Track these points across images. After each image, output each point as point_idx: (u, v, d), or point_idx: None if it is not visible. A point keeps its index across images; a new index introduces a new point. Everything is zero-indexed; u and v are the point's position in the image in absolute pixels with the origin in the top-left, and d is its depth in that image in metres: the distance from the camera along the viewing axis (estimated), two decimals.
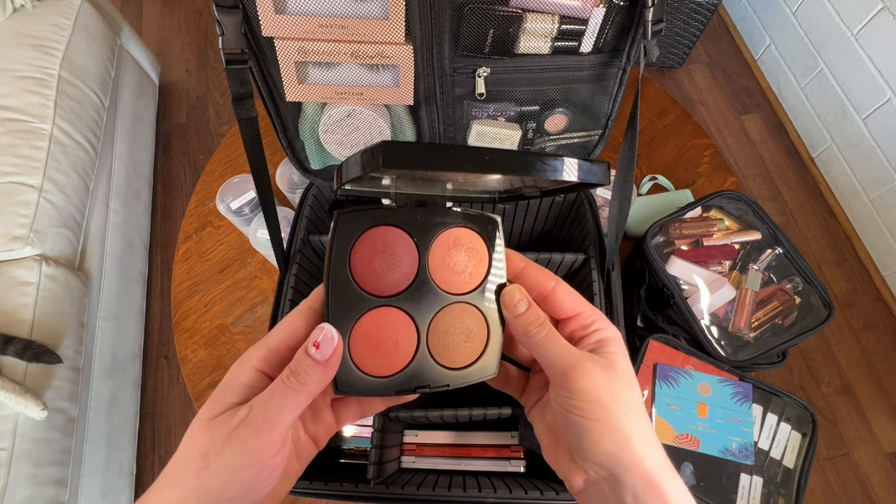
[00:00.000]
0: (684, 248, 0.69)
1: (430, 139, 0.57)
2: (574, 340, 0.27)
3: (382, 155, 0.20)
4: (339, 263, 0.26)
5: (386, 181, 0.27)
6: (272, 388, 0.23)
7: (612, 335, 0.27)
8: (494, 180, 0.29)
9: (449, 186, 0.30)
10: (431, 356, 0.27)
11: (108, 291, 1.25)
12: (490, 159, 0.22)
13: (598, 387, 0.25)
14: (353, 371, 0.26)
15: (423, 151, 0.22)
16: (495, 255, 0.29)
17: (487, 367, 0.28)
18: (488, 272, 0.29)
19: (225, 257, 0.84)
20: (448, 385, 0.27)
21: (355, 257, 0.27)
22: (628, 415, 0.25)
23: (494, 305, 0.28)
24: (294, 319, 0.26)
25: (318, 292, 0.27)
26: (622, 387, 0.25)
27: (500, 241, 0.29)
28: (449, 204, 0.29)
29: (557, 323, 0.28)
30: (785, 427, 0.60)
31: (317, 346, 0.24)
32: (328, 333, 0.24)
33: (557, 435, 0.28)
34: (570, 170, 0.23)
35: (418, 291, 0.27)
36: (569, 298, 0.28)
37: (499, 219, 0.29)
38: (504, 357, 0.30)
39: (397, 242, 0.27)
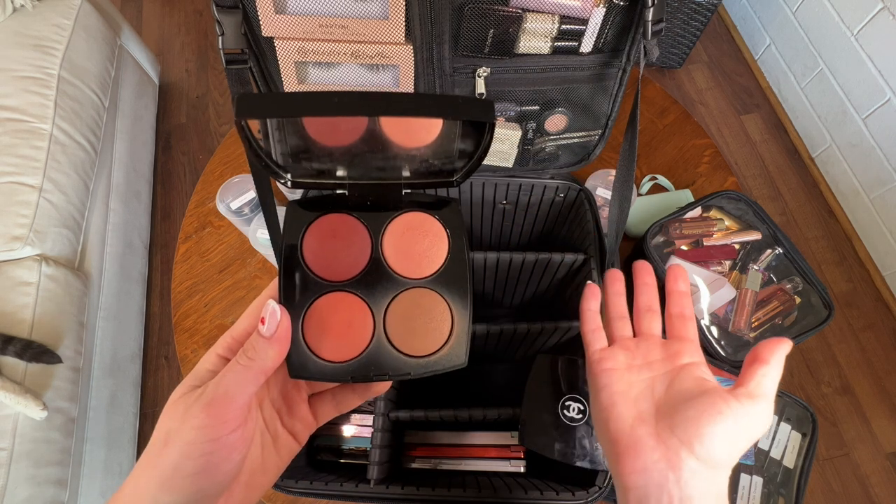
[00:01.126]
0: (684, 248, 0.69)
1: None
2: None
3: (237, 106, 0.21)
4: (291, 249, 0.27)
5: (339, 172, 0.27)
6: (226, 367, 0.24)
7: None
8: (420, 154, 0.28)
9: (404, 173, 0.29)
10: (390, 342, 0.26)
11: (108, 291, 1.25)
12: (339, 102, 0.21)
13: (763, 422, 0.27)
14: (306, 355, 0.26)
15: (275, 99, 0.22)
16: (453, 236, 0.28)
17: (454, 356, 0.26)
18: (448, 254, 0.28)
19: (225, 257, 0.84)
20: (409, 374, 0.26)
21: (307, 244, 0.27)
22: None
23: (458, 289, 0.27)
24: (255, 308, 0.27)
25: (275, 282, 0.27)
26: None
27: (460, 221, 0.28)
28: (405, 191, 0.28)
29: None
30: (785, 427, 0.60)
31: (262, 321, 0.24)
32: (271, 308, 0.25)
33: (658, 408, 0.29)
34: (425, 105, 0.23)
35: (372, 276, 0.27)
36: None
37: (457, 200, 0.29)
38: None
39: (349, 228, 0.27)
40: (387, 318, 0.27)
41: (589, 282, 0.36)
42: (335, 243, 0.27)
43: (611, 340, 0.35)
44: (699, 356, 0.32)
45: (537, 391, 0.35)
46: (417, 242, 0.28)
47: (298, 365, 0.26)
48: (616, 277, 0.38)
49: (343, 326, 0.26)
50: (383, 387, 0.29)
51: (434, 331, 0.27)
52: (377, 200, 0.28)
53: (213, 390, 0.23)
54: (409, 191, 0.28)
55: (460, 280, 0.27)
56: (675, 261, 0.67)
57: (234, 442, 0.24)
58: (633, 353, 0.33)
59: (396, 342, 0.26)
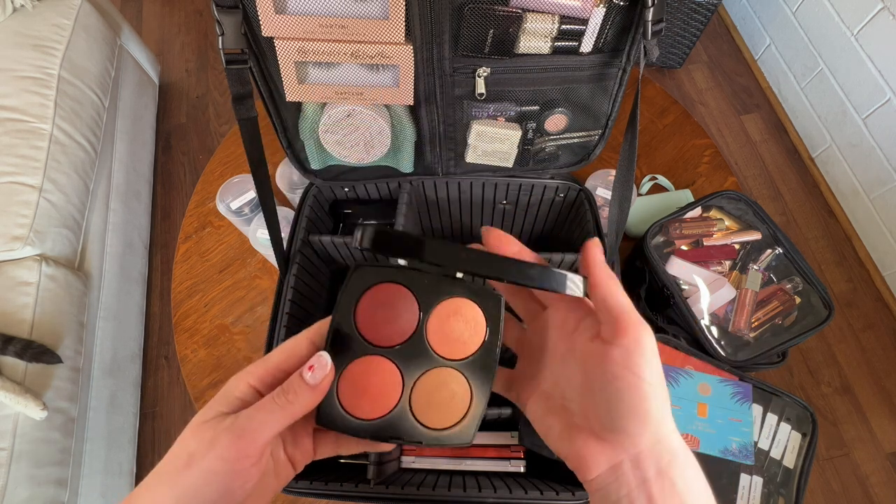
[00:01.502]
0: (684, 248, 0.69)
1: (430, 139, 0.57)
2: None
3: (372, 240, 0.23)
4: (346, 308, 0.29)
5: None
6: (261, 403, 0.25)
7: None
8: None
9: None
10: (412, 411, 0.29)
11: (108, 291, 1.25)
12: (467, 258, 0.24)
13: (655, 348, 0.25)
14: (336, 407, 0.28)
15: (408, 241, 0.25)
16: (491, 330, 0.30)
17: (463, 435, 0.29)
18: (483, 345, 0.30)
19: (225, 257, 0.84)
20: (420, 442, 0.28)
21: (361, 306, 0.29)
22: (664, 388, 0.25)
23: (483, 378, 0.30)
24: (293, 346, 0.28)
25: (320, 326, 0.29)
26: (658, 359, 0.26)
27: (501, 318, 0.30)
28: (459, 274, 0.31)
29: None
30: (785, 427, 0.60)
31: (311, 369, 0.26)
32: (323, 361, 0.26)
33: (571, 416, 0.27)
34: (551, 280, 0.26)
35: (412, 348, 0.30)
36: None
37: (503, 297, 0.31)
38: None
39: (402, 300, 0.30)
40: (414, 388, 0.29)
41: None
42: (387, 311, 0.29)
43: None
44: (581, 307, 0.28)
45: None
46: (458, 327, 0.30)
47: (326, 415, 0.28)
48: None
49: (374, 389, 0.29)
50: (389, 446, 0.31)
51: (452, 409, 0.29)
52: (433, 280, 0.30)
53: (246, 424, 0.24)
54: (461, 275, 0.31)
55: (487, 370, 0.30)
56: (674, 261, 0.67)
57: (251, 472, 0.25)
58: (530, 350, 0.31)
59: (417, 412, 0.29)
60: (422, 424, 0.29)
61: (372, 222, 0.23)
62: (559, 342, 0.29)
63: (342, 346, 0.28)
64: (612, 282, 0.26)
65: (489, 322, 0.30)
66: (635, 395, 0.23)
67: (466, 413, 0.29)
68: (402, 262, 0.30)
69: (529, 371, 0.30)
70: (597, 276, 0.26)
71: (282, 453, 0.28)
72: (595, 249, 0.26)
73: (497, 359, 0.30)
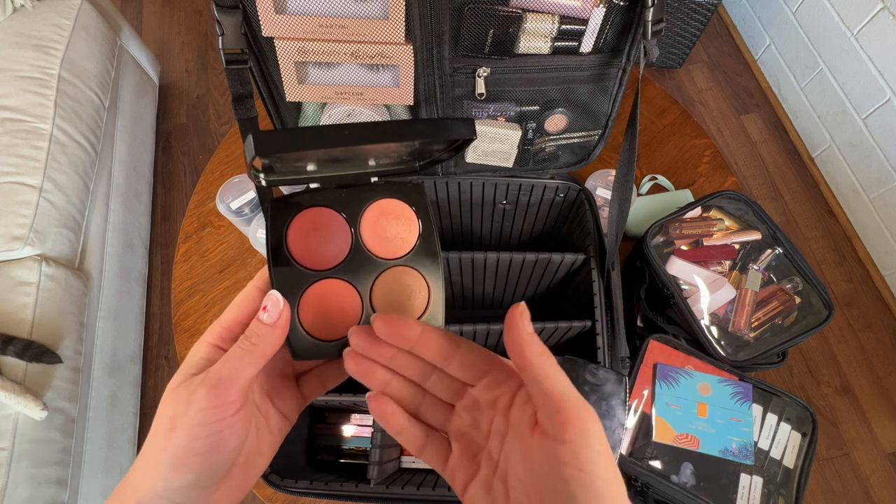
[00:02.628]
0: (684, 248, 0.69)
1: None
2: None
3: (255, 145, 0.23)
4: (277, 245, 0.29)
5: (310, 167, 0.30)
6: (228, 353, 0.26)
7: (570, 393, 0.23)
8: (393, 150, 0.31)
9: (371, 163, 0.32)
10: None
11: (108, 291, 1.25)
12: (349, 134, 0.24)
13: (601, 432, 0.21)
14: (305, 338, 0.29)
15: (289, 136, 0.25)
16: (422, 217, 0.31)
17: (434, 319, 0.30)
18: (420, 234, 0.31)
19: (225, 257, 0.84)
20: None
21: (291, 239, 0.30)
22: (621, 485, 0.22)
23: (431, 263, 0.31)
24: (243, 298, 0.28)
25: (262, 274, 0.29)
26: (608, 453, 0.22)
27: (427, 204, 0.32)
28: (373, 179, 0.32)
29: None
30: (785, 427, 0.60)
31: (265, 309, 0.26)
32: (274, 298, 0.27)
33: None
34: (440, 130, 0.26)
35: (355, 261, 0.30)
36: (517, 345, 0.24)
37: (422, 182, 0.32)
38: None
39: (328, 220, 0.30)
40: (372, 296, 0.30)
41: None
42: (317, 235, 0.30)
43: (443, 433, 0.28)
44: (512, 381, 0.26)
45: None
46: (391, 226, 0.31)
47: (300, 349, 0.28)
48: (367, 372, 0.28)
49: (335, 309, 0.29)
50: None
51: (414, 302, 0.30)
52: (350, 191, 0.31)
53: (217, 373, 0.25)
54: (376, 179, 0.32)
55: (432, 255, 0.31)
56: (675, 261, 0.67)
57: (238, 422, 0.25)
58: (468, 433, 0.27)
59: None
60: None
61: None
62: (495, 421, 0.25)
63: (289, 284, 0.29)
64: (545, 360, 0.23)
65: (418, 211, 0.31)
66: (590, 496, 0.20)
67: (428, 301, 0.30)
68: (312, 186, 0.31)
69: (467, 453, 0.26)
70: (528, 355, 0.22)
71: (270, 407, 0.29)
72: (521, 320, 0.23)
73: (437, 241, 0.31)
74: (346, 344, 0.28)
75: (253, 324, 0.26)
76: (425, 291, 0.31)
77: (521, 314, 0.24)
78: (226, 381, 0.24)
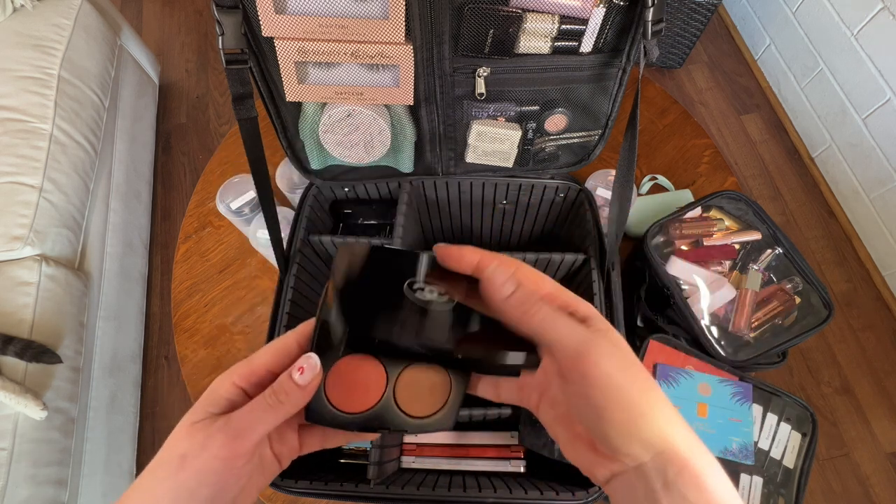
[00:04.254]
0: (684, 248, 0.68)
1: (430, 139, 0.57)
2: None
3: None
4: (332, 311, 0.29)
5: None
6: (253, 403, 0.26)
7: (590, 310, 0.26)
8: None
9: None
10: (396, 402, 0.30)
11: (108, 291, 1.25)
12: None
13: (615, 368, 0.23)
14: (324, 404, 0.29)
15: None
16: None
17: (444, 421, 0.31)
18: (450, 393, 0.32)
19: (225, 257, 0.84)
20: (406, 430, 0.30)
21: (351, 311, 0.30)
22: (648, 395, 0.23)
23: (462, 378, 0.31)
24: (280, 346, 0.28)
25: (305, 327, 0.29)
26: (632, 364, 0.24)
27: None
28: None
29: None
30: (785, 427, 0.60)
31: (301, 370, 0.26)
32: (312, 362, 0.27)
33: (574, 426, 0.26)
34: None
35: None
36: (534, 278, 0.26)
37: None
38: (490, 369, 0.31)
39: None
40: (398, 381, 0.31)
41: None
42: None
43: None
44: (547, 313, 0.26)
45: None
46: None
47: (315, 412, 0.29)
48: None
49: (360, 383, 0.30)
50: (374, 436, 0.33)
51: (433, 397, 0.31)
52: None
53: (238, 424, 0.25)
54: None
55: (463, 378, 0.31)
56: (675, 261, 0.67)
57: (244, 470, 0.26)
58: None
59: (401, 403, 0.30)
60: (405, 414, 0.30)
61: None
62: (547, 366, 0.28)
63: (328, 345, 0.29)
64: (556, 320, 0.25)
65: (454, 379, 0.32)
66: (621, 409, 0.23)
67: (447, 401, 0.31)
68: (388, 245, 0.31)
69: (541, 376, 0.29)
70: (537, 321, 0.25)
71: (268, 451, 0.29)
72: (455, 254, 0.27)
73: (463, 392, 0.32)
74: (359, 420, 0.29)
75: (285, 380, 0.26)
76: (447, 392, 0.31)
77: (468, 253, 0.26)
78: (244, 434, 0.25)
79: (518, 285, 0.26)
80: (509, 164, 0.60)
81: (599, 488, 0.46)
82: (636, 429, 0.23)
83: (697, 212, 0.70)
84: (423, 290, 0.29)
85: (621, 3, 0.44)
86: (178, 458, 0.24)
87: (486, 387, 0.31)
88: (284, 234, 0.59)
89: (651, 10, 0.43)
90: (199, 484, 0.24)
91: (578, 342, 0.24)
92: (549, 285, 0.27)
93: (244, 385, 0.27)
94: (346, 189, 0.66)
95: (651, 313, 0.70)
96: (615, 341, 0.24)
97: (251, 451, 0.25)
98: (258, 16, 0.42)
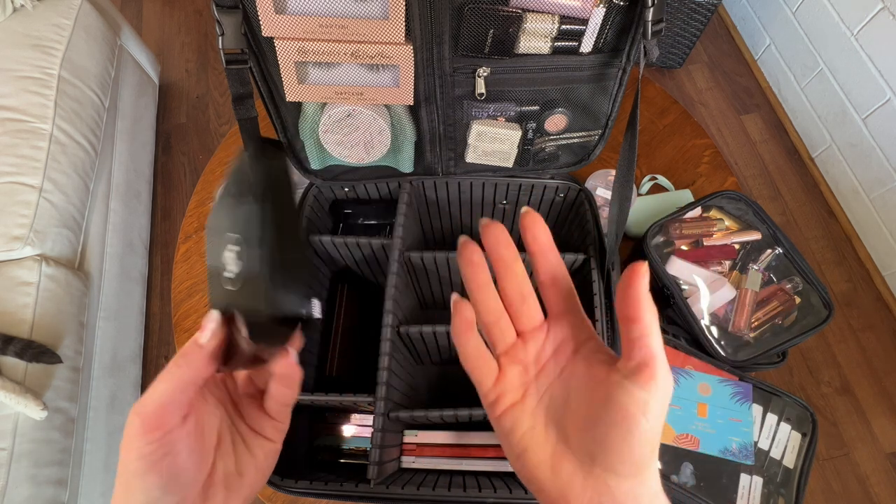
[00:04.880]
0: (684, 248, 0.69)
1: (430, 139, 0.57)
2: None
3: None
4: None
5: None
6: (158, 377, 0.26)
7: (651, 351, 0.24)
8: None
9: None
10: None
11: (108, 291, 1.25)
12: None
13: (666, 405, 0.23)
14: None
15: None
16: None
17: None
18: None
19: None
20: None
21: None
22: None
23: None
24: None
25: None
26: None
27: None
28: None
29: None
30: (785, 427, 0.60)
31: (202, 329, 0.27)
32: (213, 318, 0.27)
33: (565, 438, 0.25)
34: None
35: None
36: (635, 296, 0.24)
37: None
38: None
39: None
40: None
41: (455, 296, 0.28)
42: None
43: (497, 356, 0.28)
44: (585, 330, 0.27)
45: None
46: None
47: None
48: (473, 260, 0.27)
49: None
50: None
51: None
52: None
53: (144, 400, 0.25)
54: None
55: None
56: (675, 261, 0.67)
57: (176, 443, 0.25)
58: (525, 364, 0.27)
59: None
60: None
61: None
62: (557, 358, 0.27)
63: None
64: (654, 320, 0.23)
65: None
66: (638, 438, 0.22)
67: None
68: None
69: (518, 381, 0.27)
70: (642, 312, 0.23)
71: (245, 428, 0.29)
72: (640, 280, 0.23)
73: None
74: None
75: (187, 344, 0.27)
76: None
77: (644, 272, 0.23)
78: (155, 406, 0.25)
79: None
80: (509, 164, 0.60)
81: None
82: (643, 461, 0.23)
83: (697, 212, 0.70)
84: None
85: (621, 3, 0.44)
86: (120, 472, 0.24)
87: None
88: None
89: (651, 10, 0.43)
90: (143, 474, 0.24)
91: (656, 351, 0.23)
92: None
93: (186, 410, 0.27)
94: (346, 189, 0.66)
95: None
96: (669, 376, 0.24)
97: (173, 421, 0.25)
98: (258, 16, 0.42)
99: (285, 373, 0.29)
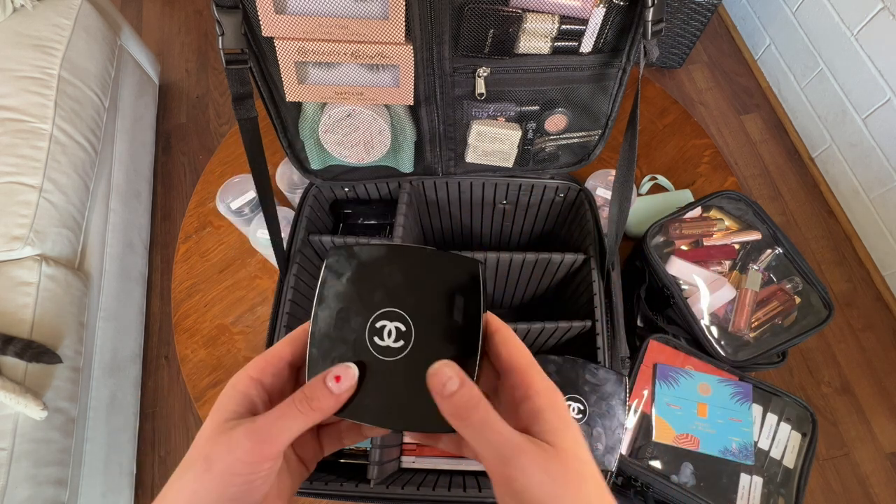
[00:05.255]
0: (684, 248, 0.69)
1: (430, 139, 0.57)
2: (507, 399, 0.25)
3: None
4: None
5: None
6: (282, 407, 0.25)
7: (546, 403, 0.23)
8: None
9: None
10: None
11: (108, 291, 1.25)
12: None
13: (541, 484, 0.22)
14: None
15: None
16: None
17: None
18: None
19: (225, 257, 0.84)
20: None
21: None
22: None
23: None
24: (297, 336, 0.28)
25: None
26: (571, 480, 0.22)
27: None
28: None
29: (499, 378, 0.26)
30: (785, 427, 0.60)
31: (337, 379, 0.26)
32: (351, 372, 0.26)
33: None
34: None
35: None
36: (507, 349, 0.25)
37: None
38: None
39: None
40: None
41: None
42: None
43: None
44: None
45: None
46: None
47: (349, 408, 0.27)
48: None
49: None
50: (385, 430, 0.31)
51: None
52: None
53: (266, 428, 0.24)
54: None
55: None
56: (674, 261, 0.67)
57: (269, 473, 0.25)
58: None
59: None
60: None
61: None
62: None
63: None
64: (485, 427, 0.23)
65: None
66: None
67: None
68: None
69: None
70: (467, 427, 0.23)
71: (293, 455, 0.29)
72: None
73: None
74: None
75: (318, 386, 0.25)
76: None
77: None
78: (272, 438, 0.24)
79: (461, 385, 0.23)
80: (509, 164, 0.60)
81: None
82: None
83: (697, 212, 0.70)
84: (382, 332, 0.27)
85: (621, 3, 0.44)
86: (203, 461, 0.24)
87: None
88: (284, 234, 0.59)
89: (651, 10, 0.43)
90: (224, 486, 0.24)
91: (501, 458, 0.23)
92: (517, 358, 0.25)
93: (260, 376, 0.27)
94: (346, 189, 0.66)
95: (651, 313, 0.70)
96: (554, 452, 0.22)
97: (277, 455, 0.25)
98: (258, 16, 0.42)
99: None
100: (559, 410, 0.24)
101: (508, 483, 0.22)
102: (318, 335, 0.28)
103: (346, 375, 0.26)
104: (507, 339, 0.26)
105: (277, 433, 0.24)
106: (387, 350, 0.27)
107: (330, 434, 0.31)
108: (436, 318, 0.27)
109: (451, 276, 0.28)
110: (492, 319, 0.27)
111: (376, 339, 0.27)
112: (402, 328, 0.27)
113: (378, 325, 0.28)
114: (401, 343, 0.27)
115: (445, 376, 0.24)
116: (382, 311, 0.28)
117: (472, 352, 0.26)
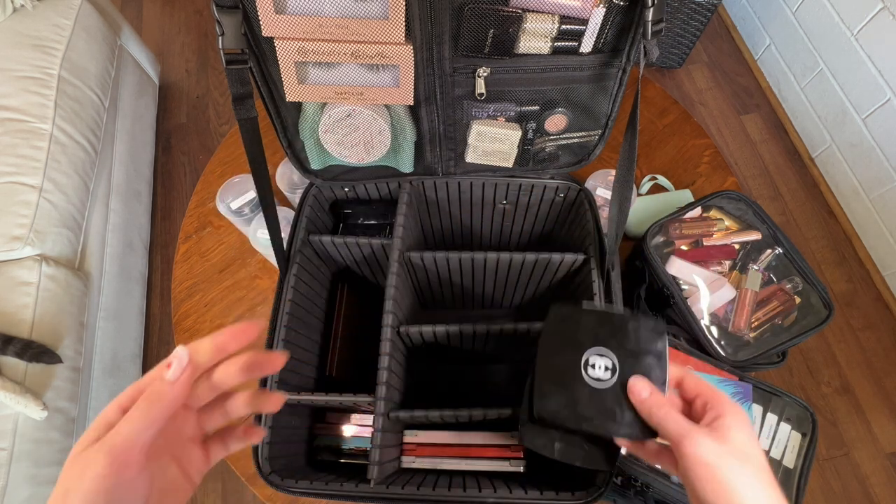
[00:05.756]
0: (684, 248, 0.69)
1: (430, 139, 0.57)
2: (697, 417, 0.34)
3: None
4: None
5: None
6: (127, 414, 0.25)
7: (727, 411, 0.33)
8: None
9: None
10: None
11: (108, 291, 1.25)
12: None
13: (707, 451, 0.31)
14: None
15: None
16: None
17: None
18: None
19: (225, 257, 0.84)
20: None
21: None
22: (738, 473, 0.30)
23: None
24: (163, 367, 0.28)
25: (220, 336, 0.29)
26: (731, 451, 0.30)
27: None
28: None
29: (689, 405, 0.36)
30: (785, 427, 0.60)
31: (169, 366, 0.26)
32: (181, 353, 0.27)
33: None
34: None
35: None
36: (693, 383, 0.36)
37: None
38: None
39: None
40: None
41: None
42: None
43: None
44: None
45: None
46: None
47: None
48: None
49: None
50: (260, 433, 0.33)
51: None
52: None
53: (115, 438, 0.24)
54: None
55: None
56: (674, 261, 0.67)
57: (137, 482, 0.25)
58: None
59: None
60: None
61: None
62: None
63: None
64: (667, 417, 0.35)
65: None
66: (697, 490, 0.31)
67: None
68: None
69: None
70: (655, 418, 0.36)
71: (177, 471, 0.28)
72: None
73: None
74: None
75: (154, 382, 0.26)
76: None
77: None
78: (121, 446, 0.24)
79: (651, 393, 0.35)
80: (509, 164, 0.60)
81: (599, 488, 0.46)
82: (712, 498, 0.30)
83: (697, 212, 0.70)
84: (594, 367, 0.37)
85: (621, 3, 0.44)
86: (61, 496, 0.24)
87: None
88: (284, 234, 0.59)
89: (651, 10, 0.43)
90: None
91: (678, 434, 0.33)
92: (702, 389, 0.35)
93: (127, 404, 0.26)
94: (346, 189, 0.66)
95: (651, 313, 0.70)
96: (720, 435, 0.31)
97: (137, 460, 0.25)
98: (258, 16, 0.42)
99: (259, 437, 0.33)
100: (738, 417, 0.32)
101: (681, 452, 0.32)
102: (544, 362, 0.37)
103: (177, 359, 0.26)
104: (694, 377, 0.37)
105: (124, 438, 0.24)
106: (598, 380, 0.37)
107: (215, 441, 0.31)
108: (638, 359, 0.37)
109: (645, 332, 0.38)
110: (675, 367, 0.37)
111: (589, 370, 0.37)
112: (609, 364, 0.37)
113: (591, 361, 0.37)
114: (608, 374, 0.37)
115: (640, 386, 0.36)
116: (594, 350, 0.37)
117: (662, 381, 0.37)
